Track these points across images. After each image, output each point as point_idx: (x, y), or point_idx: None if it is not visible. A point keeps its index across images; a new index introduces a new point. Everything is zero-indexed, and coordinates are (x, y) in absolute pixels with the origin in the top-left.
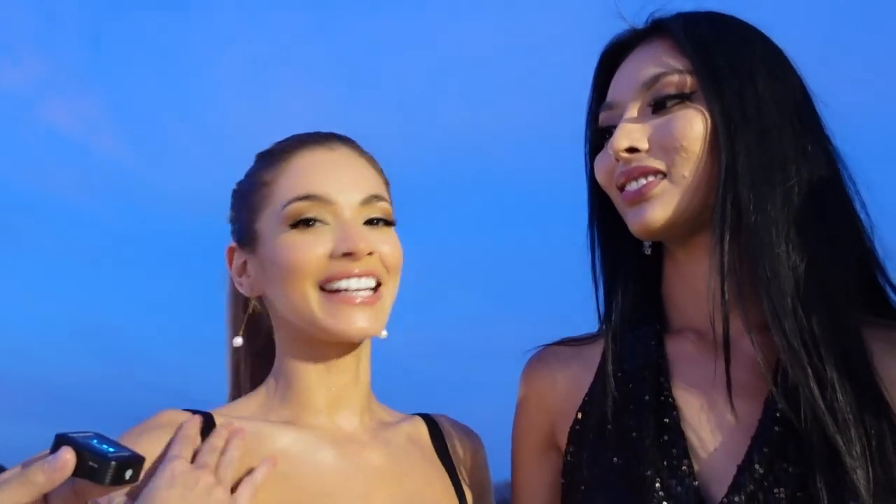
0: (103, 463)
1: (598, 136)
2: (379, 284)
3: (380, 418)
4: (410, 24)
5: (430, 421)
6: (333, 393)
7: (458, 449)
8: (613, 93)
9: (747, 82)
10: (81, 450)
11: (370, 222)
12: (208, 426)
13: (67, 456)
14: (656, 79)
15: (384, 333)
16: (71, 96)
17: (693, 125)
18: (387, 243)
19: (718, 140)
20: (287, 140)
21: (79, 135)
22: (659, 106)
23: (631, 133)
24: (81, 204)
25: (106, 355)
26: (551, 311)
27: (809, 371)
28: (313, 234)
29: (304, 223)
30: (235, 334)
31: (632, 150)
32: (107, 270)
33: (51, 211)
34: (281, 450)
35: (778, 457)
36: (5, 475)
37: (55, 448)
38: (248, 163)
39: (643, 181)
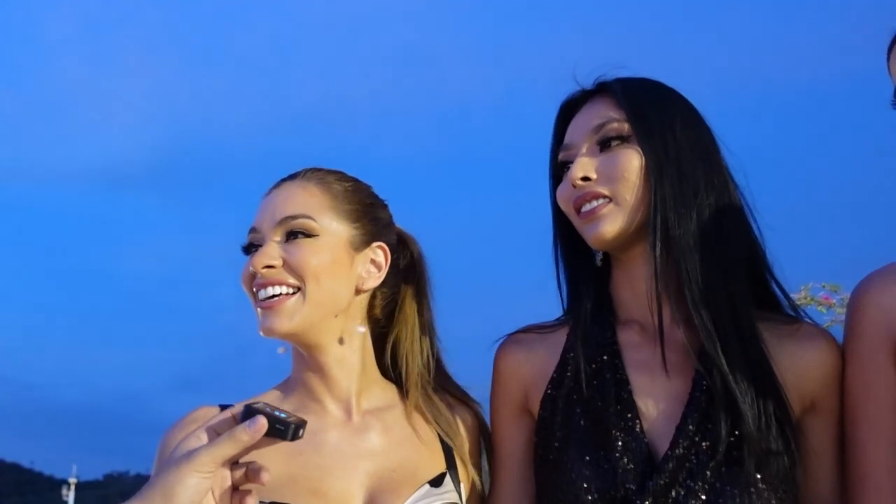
0: (288, 424)
1: (558, 171)
2: (287, 291)
3: (381, 399)
4: None
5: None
6: (324, 385)
7: (455, 420)
8: (570, 136)
9: (668, 130)
10: (268, 416)
11: (292, 238)
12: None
13: (264, 421)
14: (602, 126)
15: (359, 330)
16: None
17: (632, 160)
18: (297, 253)
19: (650, 172)
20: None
21: None
22: (605, 145)
23: (584, 166)
24: None
25: None
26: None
27: (718, 345)
28: (249, 259)
29: (248, 251)
30: None
31: (585, 178)
32: None
33: None
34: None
35: (704, 419)
36: (202, 435)
37: (247, 416)
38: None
39: (595, 203)
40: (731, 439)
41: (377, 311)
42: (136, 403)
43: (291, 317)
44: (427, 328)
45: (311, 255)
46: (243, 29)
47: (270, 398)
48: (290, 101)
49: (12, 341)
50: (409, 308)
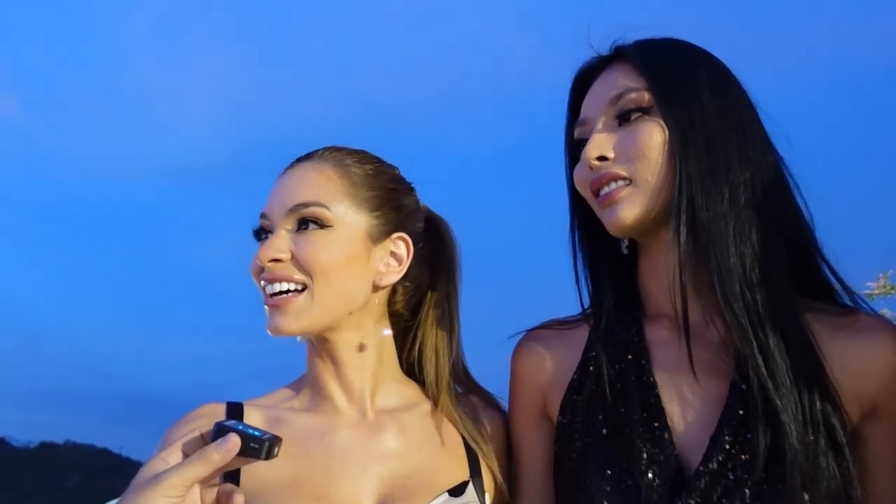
0: (261, 443)
1: (574, 150)
2: (301, 288)
3: (399, 398)
4: None
5: (456, 396)
6: (338, 382)
7: (480, 424)
8: (585, 110)
9: (694, 98)
10: (241, 434)
11: (303, 228)
12: (237, 413)
13: (236, 439)
14: (620, 96)
15: (386, 332)
16: None
17: (653, 135)
18: (306, 247)
19: (674, 148)
20: None
21: None
22: (623, 119)
23: (600, 143)
24: None
25: (16, 332)
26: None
27: (755, 344)
28: (259, 247)
29: (258, 237)
30: None
31: (602, 158)
32: (9, 241)
33: None
34: (295, 433)
35: (743, 428)
36: (169, 457)
37: (218, 435)
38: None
39: (613, 185)
40: (774, 453)
41: (399, 305)
42: (215, 392)
43: (299, 318)
44: (455, 323)
45: (321, 248)
46: (312, 25)
47: (280, 396)
48: (359, 95)
49: (100, 333)
50: (438, 300)
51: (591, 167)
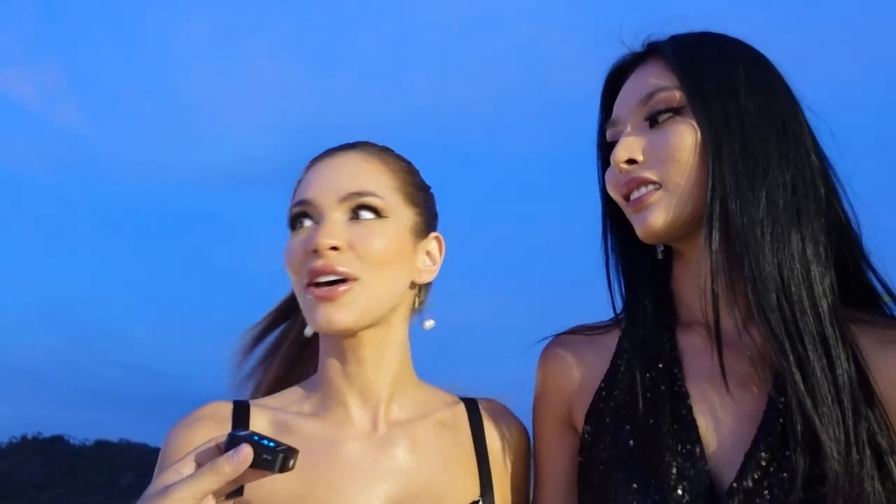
0: (274, 454)
1: (606, 151)
2: (348, 279)
3: (413, 406)
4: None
5: (472, 406)
6: (354, 385)
7: (496, 437)
8: (616, 110)
9: (730, 95)
10: (255, 445)
11: (355, 218)
12: (243, 413)
13: (248, 450)
14: (650, 96)
15: (429, 324)
16: (29, 67)
17: (684, 137)
18: (364, 236)
19: (706, 150)
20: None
21: (38, 106)
22: (654, 120)
23: (629, 146)
24: (41, 177)
25: (72, 332)
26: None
27: (792, 358)
28: (299, 234)
29: (295, 225)
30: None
31: (630, 161)
32: (70, 245)
33: (9, 184)
34: (302, 441)
35: (781, 444)
36: (182, 468)
37: (231, 445)
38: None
39: (643, 189)
40: (815, 473)
41: (417, 307)
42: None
43: (351, 310)
44: None
45: (380, 239)
46: (363, 32)
47: (289, 398)
48: (409, 101)
49: (153, 334)
50: None
51: (620, 171)
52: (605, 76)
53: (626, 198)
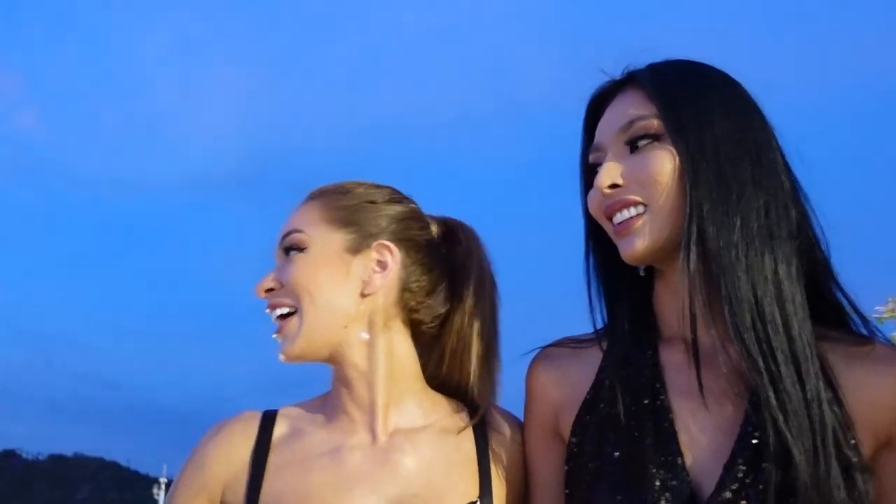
0: None
1: (589, 174)
2: (291, 312)
3: (415, 413)
4: (341, 3)
5: (473, 412)
6: (352, 397)
7: (499, 441)
8: (598, 136)
9: (706, 124)
10: None
11: (286, 254)
12: (269, 422)
13: None
14: (631, 124)
15: (363, 336)
16: None
17: (663, 162)
18: (290, 272)
19: (685, 176)
20: None
21: None
22: (634, 146)
23: (611, 171)
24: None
25: (25, 342)
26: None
27: (765, 376)
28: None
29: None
30: None
31: (613, 186)
32: (24, 253)
33: None
34: (311, 447)
35: (757, 457)
36: None
37: None
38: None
39: (626, 213)
40: (787, 484)
41: (418, 314)
42: (225, 405)
43: (294, 340)
44: (485, 331)
45: (300, 269)
46: (329, 40)
47: (309, 406)
48: (375, 110)
49: (112, 345)
50: (463, 307)
51: (603, 195)
52: (588, 103)
53: (610, 218)
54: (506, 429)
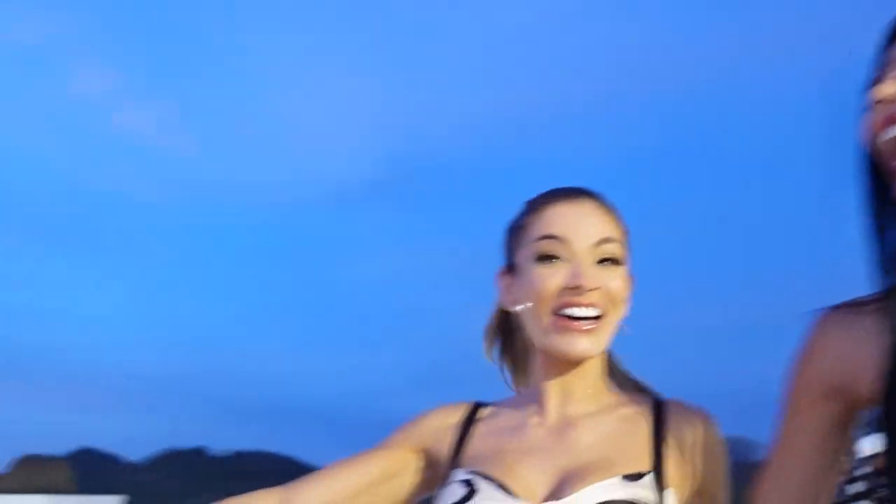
0: None
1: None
2: (601, 315)
3: (605, 402)
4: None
5: (657, 405)
6: (557, 389)
7: (677, 429)
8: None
9: None
10: None
11: (601, 262)
12: (478, 405)
13: None
14: None
15: (626, 329)
16: (146, 102)
17: None
18: (613, 280)
19: None
20: (544, 193)
21: (154, 138)
22: None
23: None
24: (156, 201)
25: (202, 349)
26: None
27: None
28: (552, 268)
29: (546, 258)
30: (488, 342)
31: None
32: (187, 264)
33: (128, 210)
34: (501, 425)
35: None
36: None
37: None
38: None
39: None
40: None
41: None
42: (378, 398)
43: (599, 343)
44: None
45: (620, 283)
46: (451, 42)
47: (513, 400)
48: (508, 107)
49: (277, 347)
50: None
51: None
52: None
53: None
54: (686, 416)
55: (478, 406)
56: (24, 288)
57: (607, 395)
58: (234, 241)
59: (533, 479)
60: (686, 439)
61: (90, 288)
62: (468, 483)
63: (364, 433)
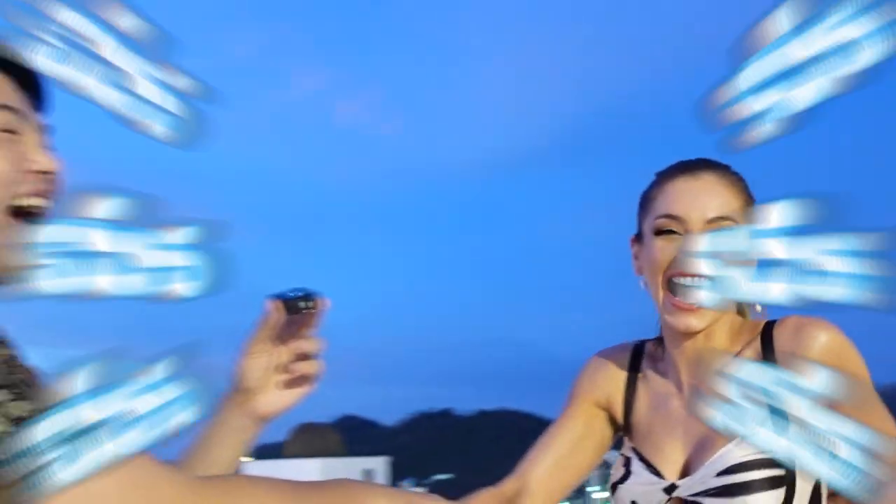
0: (294, 302)
1: None
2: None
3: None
4: None
5: (764, 334)
6: (689, 358)
7: (784, 348)
8: None
9: None
10: (281, 298)
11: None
12: (637, 355)
13: (273, 304)
14: None
15: (758, 308)
16: (356, 93)
17: None
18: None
19: None
20: (670, 167)
21: (366, 126)
22: None
23: None
24: (378, 187)
25: (446, 318)
26: None
27: None
28: (669, 242)
29: (665, 233)
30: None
31: None
32: (415, 241)
33: (353, 197)
34: (661, 395)
35: None
36: None
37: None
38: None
39: None
40: None
41: None
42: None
43: (705, 318)
44: None
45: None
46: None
47: (654, 351)
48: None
49: (514, 310)
50: None
51: None
52: None
53: None
54: (793, 333)
55: (637, 352)
56: (273, 277)
57: (730, 347)
58: (443, 214)
59: (675, 456)
60: (794, 356)
61: (326, 274)
62: (627, 462)
63: None
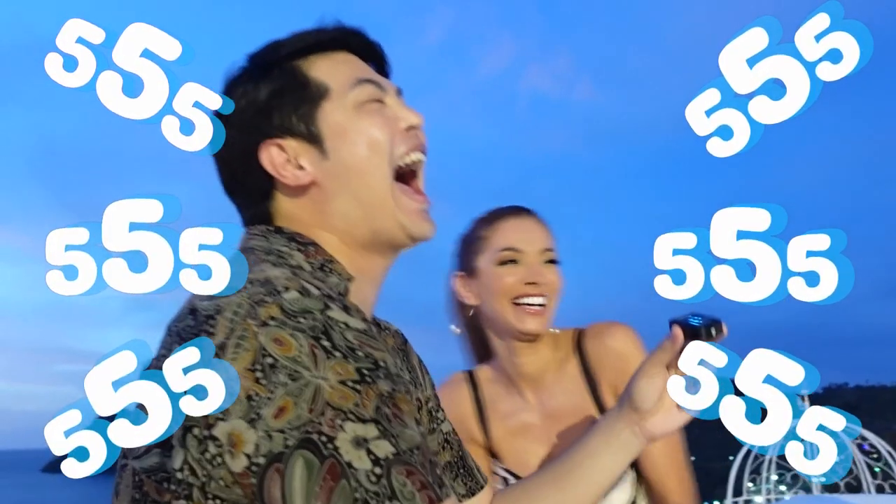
0: (698, 329)
1: None
2: (545, 304)
3: (557, 366)
4: None
5: (577, 343)
6: (528, 370)
7: (594, 354)
8: None
9: None
10: (681, 324)
11: (546, 263)
12: (474, 385)
13: (676, 329)
14: None
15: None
16: (543, 61)
17: None
18: (553, 276)
19: None
20: (494, 211)
21: (557, 93)
22: None
23: None
24: (575, 153)
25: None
26: None
27: None
28: (512, 269)
29: (507, 263)
30: (456, 325)
31: None
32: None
33: (551, 164)
34: (509, 411)
35: None
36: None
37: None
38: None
39: None
40: None
41: None
42: (844, 316)
43: (546, 324)
44: None
45: (560, 278)
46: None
47: (492, 377)
48: None
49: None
50: None
51: None
52: None
53: None
54: (598, 338)
55: (472, 381)
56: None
57: (555, 357)
58: (640, 178)
59: (541, 464)
60: (605, 362)
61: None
62: (505, 482)
63: (839, 350)
